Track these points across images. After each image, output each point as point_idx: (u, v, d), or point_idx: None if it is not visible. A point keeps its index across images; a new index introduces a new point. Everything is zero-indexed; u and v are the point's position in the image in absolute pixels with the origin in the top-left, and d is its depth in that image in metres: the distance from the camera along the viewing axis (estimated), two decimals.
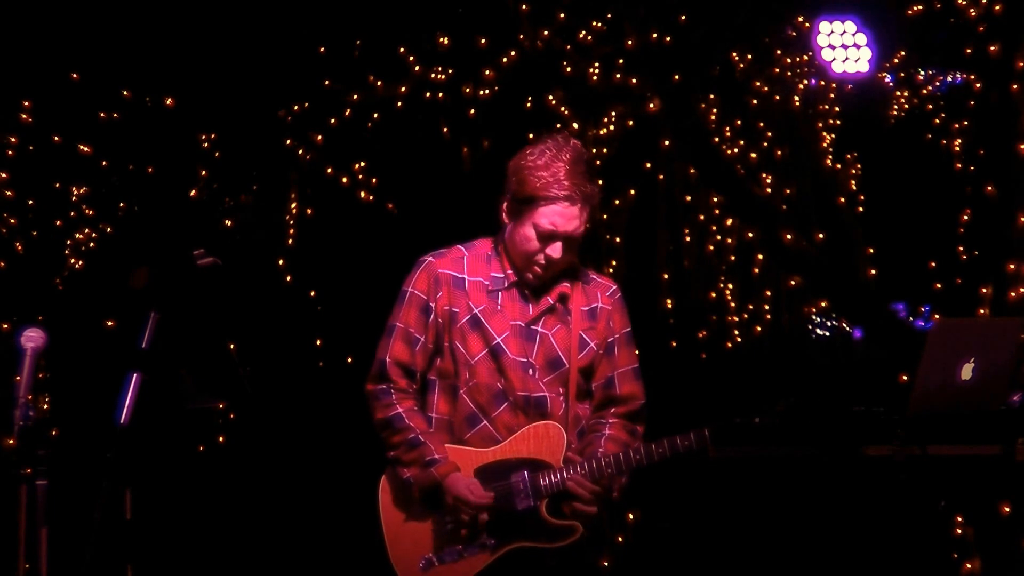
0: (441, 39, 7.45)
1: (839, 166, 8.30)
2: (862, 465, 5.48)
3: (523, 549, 4.00)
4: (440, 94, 7.58)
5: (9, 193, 7.07)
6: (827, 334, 8.28)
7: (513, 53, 7.47)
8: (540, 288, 4.12)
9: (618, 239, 7.73)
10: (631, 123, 7.72)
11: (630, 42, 7.39)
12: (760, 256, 8.01)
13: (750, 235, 7.93)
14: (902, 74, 7.79)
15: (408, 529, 4.07)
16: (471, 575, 3.99)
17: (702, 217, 7.96)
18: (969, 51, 6.84)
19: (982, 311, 6.48)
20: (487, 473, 4.03)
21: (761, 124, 7.95)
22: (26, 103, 7.04)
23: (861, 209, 8.29)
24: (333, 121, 7.63)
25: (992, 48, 6.70)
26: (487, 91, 7.52)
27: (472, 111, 7.55)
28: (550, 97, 7.57)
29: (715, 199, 7.93)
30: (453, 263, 4.14)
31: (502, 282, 4.12)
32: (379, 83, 7.57)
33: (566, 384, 4.09)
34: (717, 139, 7.80)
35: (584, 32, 7.45)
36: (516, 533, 4.00)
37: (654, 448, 4.00)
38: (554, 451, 4.04)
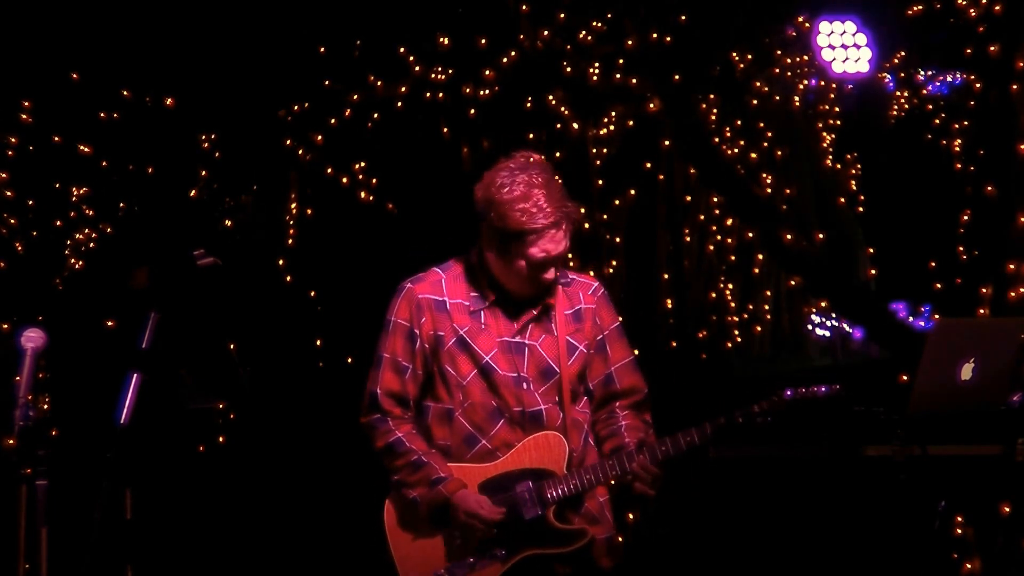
0: (441, 39, 7.45)
1: (839, 166, 8.31)
2: (862, 465, 5.48)
3: (533, 556, 4.01)
4: (440, 94, 7.58)
5: (9, 193, 7.07)
6: (827, 334, 8.30)
7: (513, 53, 7.47)
8: (524, 301, 4.11)
9: (618, 239, 7.73)
10: (631, 123, 7.72)
11: (630, 42, 7.39)
12: (760, 256, 8.01)
13: (750, 235, 7.93)
14: (902, 74, 7.80)
15: (417, 548, 4.07)
16: None
17: (702, 217, 7.96)
18: (969, 51, 6.83)
19: (982, 311, 6.48)
20: (491, 487, 4.04)
21: (761, 124, 7.96)
22: (26, 103, 7.04)
23: (861, 209, 8.30)
24: (333, 121, 7.63)
25: (992, 48, 6.69)
26: (487, 91, 7.52)
27: (472, 111, 7.55)
28: (550, 97, 7.57)
29: (715, 199, 7.94)
30: (432, 287, 4.12)
31: (482, 302, 4.10)
32: (379, 83, 7.57)
33: (560, 391, 4.09)
34: (717, 139, 7.80)
35: (584, 32, 7.45)
36: (525, 542, 4.01)
37: (708, 426, 3.99)
38: (557, 459, 4.05)
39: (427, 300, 4.10)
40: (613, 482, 4.14)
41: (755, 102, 7.88)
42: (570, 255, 4.33)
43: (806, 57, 7.60)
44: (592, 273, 4.86)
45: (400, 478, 4.07)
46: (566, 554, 4.02)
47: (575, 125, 7.61)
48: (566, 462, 4.04)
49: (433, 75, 7.55)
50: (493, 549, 4.01)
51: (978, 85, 7.02)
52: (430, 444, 4.10)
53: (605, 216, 7.68)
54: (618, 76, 7.47)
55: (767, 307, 8.11)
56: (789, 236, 7.29)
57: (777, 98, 7.93)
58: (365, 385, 4.15)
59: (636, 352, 4.28)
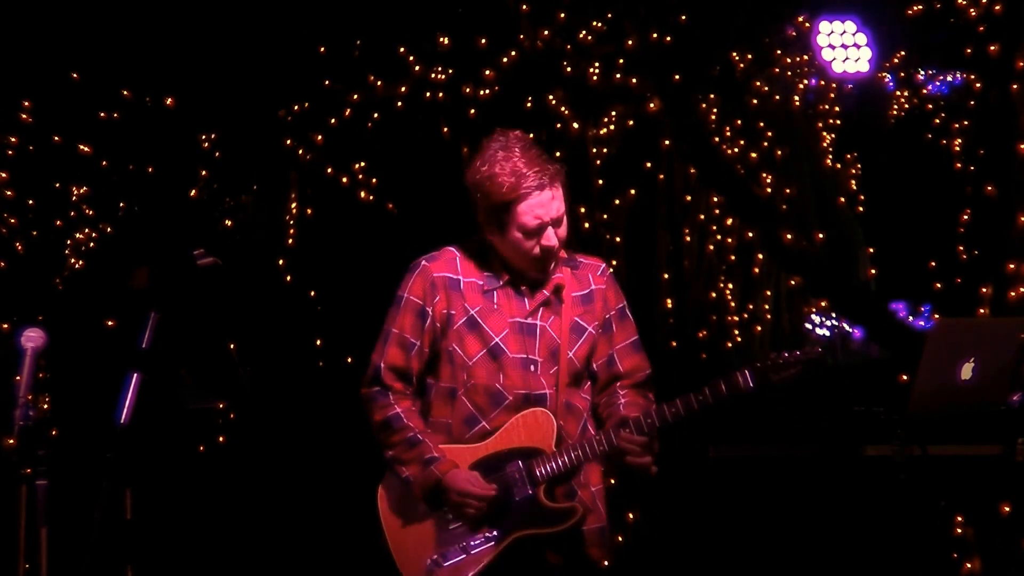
0: (441, 39, 7.45)
1: (839, 166, 8.31)
2: (862, 465, 5.48)
3: (526, 536, 4.00)
4: (440, 94, 7.58)
5: (9, 193, 7.07)
6: (827, 334, 8.30)
7: (513, 53, 7.47)
8: (536, 282, 4.11)
9: (618, 239, 7.73)
10: (631, 123, 7.72)
11: (630, 42, 7.39)
12: (760, 256, 8.01)
13: (750, 235, 7.93)
14: (902, 74, 7.80)
15: (410, 532, 4.07)
16: (478, 569, 3.99)
17: (702, 217, 7.96)
18: (969, 51, 6.84)
19: (982, 311, 6.49)
20: (481, 468, 4.03)
21: (761, 124, 7.95)
22: (26, 103, 7.05)
23: (861, 209, 8.30)
24: (333, 121, 7.63)
25: (992, 48, 6.70)
26: (487, 91, 7.52)
27: (472, 111, 7.55)
28: (550, 97, 7.57)
29: (715, 199, 7.94)
30: (447, 264, 4.12)
31: (496, 281, 4.11)
32: (379, 83, 7.57)
33: (558, 373, 4.08)
34: (717, 139, 7.80)
35: (584, 32, 7.45)
36: (518, 522, 4.00)
37: (692, 396, 3.96)
38: (545, 437, 4.03)
39: (442, 278, 4.10)
40: (608, 471, 4.14)
41: (755, 102, 7.88)
42: None
43: (806, 57, 7.60)
44: None
45: (394, 454, 4.07)
46: (558, 535, 4.00)
47: (575, 125, 7.61)
48: (555, 439, 4.02)
49: (433, 75, 7.55)
50: (485, 532, 4.00)
51: (978, 85, 7.02)
52: (430, 421, 4.10)
53: (605, 216, 7.68)
54: (618, 76, 7.47)
55: (767, 307, 8.10)
56: (789, 236, 7.29)
57: (777, 98, 7.92)
58: (370, 356, 4.15)
59: (635, 327, 4.24)
